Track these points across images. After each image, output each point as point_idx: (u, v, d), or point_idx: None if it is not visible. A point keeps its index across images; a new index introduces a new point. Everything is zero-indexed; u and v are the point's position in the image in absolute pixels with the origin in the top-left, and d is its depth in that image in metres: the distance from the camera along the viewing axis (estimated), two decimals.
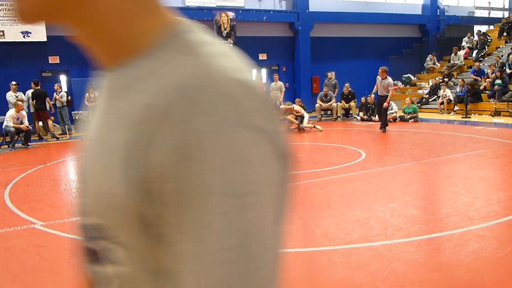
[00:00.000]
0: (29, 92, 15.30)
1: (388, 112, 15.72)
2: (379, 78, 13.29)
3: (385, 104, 12.99)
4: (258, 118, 0.56)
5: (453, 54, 21.33)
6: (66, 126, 16.37)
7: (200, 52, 0.60)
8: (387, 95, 13.03)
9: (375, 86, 13.71)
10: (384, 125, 13.30)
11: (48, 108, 15.25)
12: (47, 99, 15.11)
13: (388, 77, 13.14)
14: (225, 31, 19.61)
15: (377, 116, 14.74)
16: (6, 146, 12.82)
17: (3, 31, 16.06)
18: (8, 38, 16.08)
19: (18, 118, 12.84)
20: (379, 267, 3.90)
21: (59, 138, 15.19)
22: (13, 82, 14.83)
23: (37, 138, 15.03)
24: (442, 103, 17.87)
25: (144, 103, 0.57)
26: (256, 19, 20.45)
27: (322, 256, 4.32)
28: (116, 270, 0.64)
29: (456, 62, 20.97)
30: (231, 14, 19.60)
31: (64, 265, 4.25)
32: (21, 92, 15.07)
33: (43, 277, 4.06)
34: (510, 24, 22.13)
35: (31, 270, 4.20)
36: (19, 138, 13.02)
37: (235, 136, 0.53)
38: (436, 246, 4.43)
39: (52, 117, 16.08)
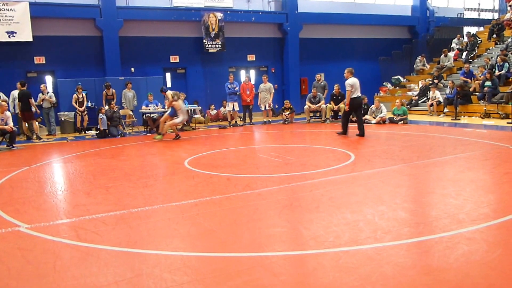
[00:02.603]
0: (15, 93, 15.14)
1: (378, 115, 15.79)
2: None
3: (346, 107, 12.62)
4: None
5: (442, 55, 21.41)
6: (51, 127, 16.23)
7: None
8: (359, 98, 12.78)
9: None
10: (360, 130, 12.69)
11: (33, 109, 15.04)
12: (30, 100, 14.87)
13: (350, 78, 12.62)
14: (213, 32, 19.57)
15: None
16: None
17: None
18: None
19: (2, 119, 12.67)
20: (368, 271, 3.86)
21: (42, 138, 15.03)
22: None
23: (25, 139, 14.87)
24: (431, 105, 17.92)
25: None
26: (244, 20, 20.46)
27: (311, 259, 4.27)
28: None
29: (445, 64, 21.05)
30: (219, 15, 19.57)
31: (49, 269, 4.19)
32: (1, 93, 14.92)
33: (28, 280, 3.98)
34: (499, 26, 22.29)
35: (15, 273, 4.13)
36: (4, 139, 12.84)
37: None
38: (426, 249, 4.40)
39: (39, 118, 15.93)
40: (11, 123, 12.84)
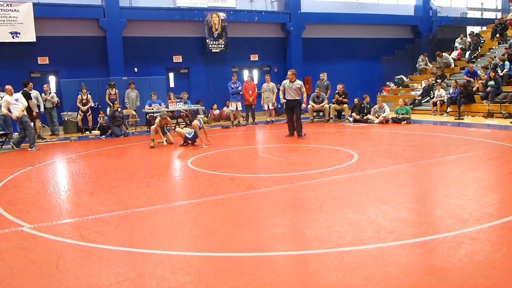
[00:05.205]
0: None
1: (381, 115, 15.77)
2: (286, 82, 12.95)
3: (304, 105, 13.18)
4: None
5: (445, 53, 21.38)
6: (54, 127, 16.23)
7: None
8: (298, 99, 12.81)
9: (281, 92, 13.51)
10: (300, 130, 12.85)
11: (36, 110, 14.99)
12: (30, 101, 14.76)
13: (297, 79, 12.93)
14: (217, 32, 19.57)
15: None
16: None
17: None
18: None
19: (17, 100, 12.57)
20: (371, 271, 3.85)
21: (45, 138, 15.03)
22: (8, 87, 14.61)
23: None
24: (435, 104, 17.88)
25: None
26: (247, 19, 20.46)
27: (314, 259, 4.26)
28: None
29: (441, 64, 20.99)
30: (222, 15, 19.57)
31: (52, 268, 4.19)
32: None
33: (31, 280, 3.98)
34: (503, 25, 22.19)
35: (18, 273, 4.13)
36: (7, 139, 12.84)
37: None
38: (429, 249, 4.38)
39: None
40: (16, 113, 12.59)
